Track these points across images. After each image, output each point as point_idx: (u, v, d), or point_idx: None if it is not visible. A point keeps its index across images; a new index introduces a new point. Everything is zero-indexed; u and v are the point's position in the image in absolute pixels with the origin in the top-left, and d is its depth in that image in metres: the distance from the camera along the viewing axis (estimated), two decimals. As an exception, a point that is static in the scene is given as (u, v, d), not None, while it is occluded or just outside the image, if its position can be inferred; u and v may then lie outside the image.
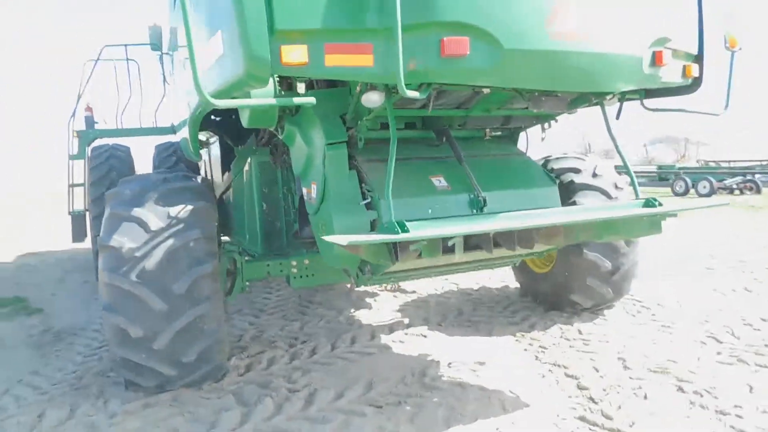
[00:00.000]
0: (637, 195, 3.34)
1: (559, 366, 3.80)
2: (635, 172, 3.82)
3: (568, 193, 4.49)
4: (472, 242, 2.94)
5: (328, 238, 2.37)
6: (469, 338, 4.45)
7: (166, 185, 3.45)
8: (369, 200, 3.16)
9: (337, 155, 3.12)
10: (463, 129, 3.80)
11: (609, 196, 4.44)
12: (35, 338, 4.84)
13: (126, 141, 6.98)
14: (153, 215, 3.24)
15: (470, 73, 2.40)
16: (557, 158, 4.85)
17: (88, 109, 6.79)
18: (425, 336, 4.55)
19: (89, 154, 6.35)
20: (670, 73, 3.12)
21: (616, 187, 4.53)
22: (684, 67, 3.23)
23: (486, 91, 2.85)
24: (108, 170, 5.95)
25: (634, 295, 5.28)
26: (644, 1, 2.73)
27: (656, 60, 2.80)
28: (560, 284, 4.73)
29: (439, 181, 3.38)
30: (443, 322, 4.87)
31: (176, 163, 6.25)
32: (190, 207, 3.33)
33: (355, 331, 4.66)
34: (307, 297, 5.82)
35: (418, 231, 2.52)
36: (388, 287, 6.06)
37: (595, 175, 4.55)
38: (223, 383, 3.65)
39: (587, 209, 3.21)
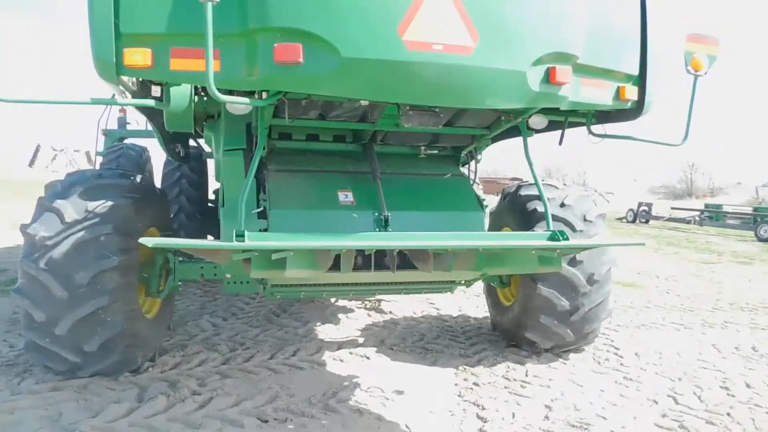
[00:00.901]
0: (548, 226, 3.06)
1: (477, 406, 3.53)
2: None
3: (530, 223, 4.21)
4: (360, 262, 2.84)
5: (143, 240, 2.36)
6: (410, 365, 4.25)
7: (95, 181, 3.61)
8: (261, 209, 3.13)
9: (233, 162, 3.14)
10: (394, 145, 3.69)
11: (573, 229, 4.10)
12: (18, 315, 5.22)
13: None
14: (71, 207, 3.41)
15: (306, 81, 2.32)
16: (529, 184, 4.56)
17: (122, 110, 7.29)
18: (368, 358, 4.40)
19: (106, 152, 6.81)
20: (594, 94, 2.85)
21: (585, 219, 4.18)
22: (618, 88, 2.94)
23: (364, 102, 2.74)
24: (115, 168, 6.34)
25: (614, 341, 4.82)
26: (532, 13, 2.50)
27: (550, 77, 2.56)
28: (517, 320, 4.42)
29: (345, 196, 3.29)
30: (397, 345, 4.68)
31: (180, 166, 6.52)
32: (109, 203, 3.46)
33: (302, 344, 4.61)
34: (285, 306, 5.83)
35: (255, 242, 2.45)
36: (367, 305, 5.95)
37: (563, 205, 4.23)
38: (141, 377, 3.74)
39: (464, 236, 2.98)
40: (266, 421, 3.24)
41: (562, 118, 3.42)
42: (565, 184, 4.58)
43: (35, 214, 3.48)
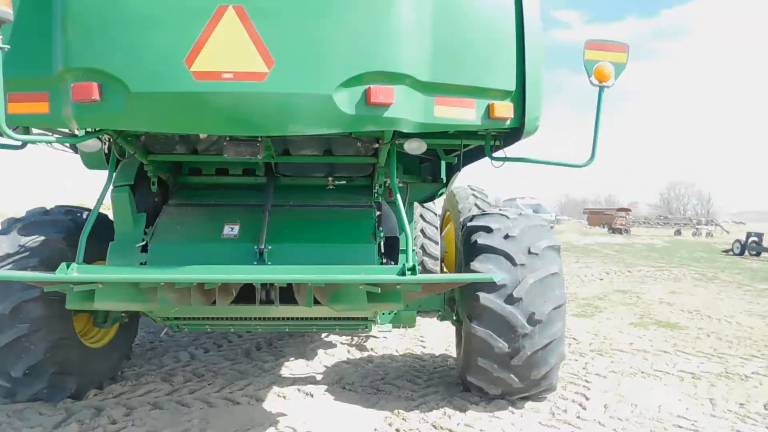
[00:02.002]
0: (406, 258, 2.82)
1: (382, 454, 3.28)
2: None
3: (470, 256, 3.93)
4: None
5: None
6: (347, 406, 4.06)
7: (39, 216, 3.92)
8: (144, 242, 3.21)
9: (120, 198, 3.26)
10: (304, 177, 3.64)
11: (513, 263, 3.75)
12: None
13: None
14: (7, 241, 3.71)
15: (104, 117, 2.38)
16: (483, 215, 4.27)
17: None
18: (312, 396, 4.28)
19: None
20: (454, 114, 2.64)
21: (529, 252, 3.81)
22: (488, 106, 2.70)
23: (202, 135, 2.74)
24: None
25: (590, 389, 4.28)
26: (338, 33, 2.38)
27: (367, 99, 2.40)
28: (462, 362, 4.08)
29: (231, 229, 3.28)
30: (352, 384, 4.51)
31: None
32: (41, 238, 3.73)
33: (256, 379, 4.59)
34: (272, 340, 5.85)
35: (64, 275, 2.51)
36: (353, 341, 5.81)
37: (506, 236, 3.90)
38: (77, 404, 3.91)
39: (298, 269, 2.80)
40: (156, 455, 3.24)
41: (449, 143, 3.18)
42: (520, 214, 4.23)
43: None
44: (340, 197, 3.64)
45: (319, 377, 4.71)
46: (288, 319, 3.51)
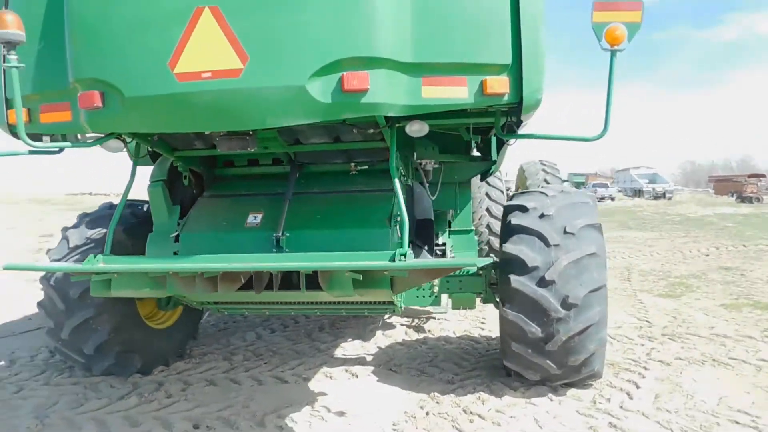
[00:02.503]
0: (403, 244, 2.77)
1: (400, 436, 3.31)
2: None
3: (505, 236, 3.80)
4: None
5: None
6: (387, 387, 4.14)
7: (105, 211, 4.38)
8: (176, 233, 3.45)
9: (155, 192, 3.52)
10: (326, 164, 3.69)
11: (547, 243, 3.58)
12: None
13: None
14: (77, 234, 4.15)
15: (108, 122, 2.58)
16: (522, 193, 4.10)
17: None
18: (357, 376, 4.39)
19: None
20: (444, 93, 2.57)
21: (565, 232, 3.60)
22: (481, 83, 2.59)
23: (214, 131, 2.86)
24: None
25: (644, 377, 4.00)
26: (307, 24, 2.38)
27: (342, 85, 2.39)
28: (501, 347, 3.96)
29: (255, 218, 3.43)
30: (398, 366, 4.56)
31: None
32: (104, 231, 4.12)
33: (308, 359, 4.78)
34: (335, 321, 6.04)
35: (88, 265, 2.77)
36: (412, 322, 5.83)
37: (542, 216, 3.72)
38: (144, 379, 4.32)
39: (293, 257, 2.83)
40: (197, 428, 3.52)
41: (461, 122, 3.06)
42: (562, 191, 3.99)
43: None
44: (361, 182, 3.65)
45: (369, 358, 4.81)
46: (314, 303, 3.61)
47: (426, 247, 4.12)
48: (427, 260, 2.58)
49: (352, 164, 3.68)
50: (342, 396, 3.98)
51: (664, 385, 3.93)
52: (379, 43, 2.42)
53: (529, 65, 2.61)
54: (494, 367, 4.37)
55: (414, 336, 5.45)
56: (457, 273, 4.41)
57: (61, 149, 3.03)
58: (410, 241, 4.08)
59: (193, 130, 2.84)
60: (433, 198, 3.97)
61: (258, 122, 2.49)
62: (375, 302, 3.54)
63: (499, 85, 2.59)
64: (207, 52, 2.40)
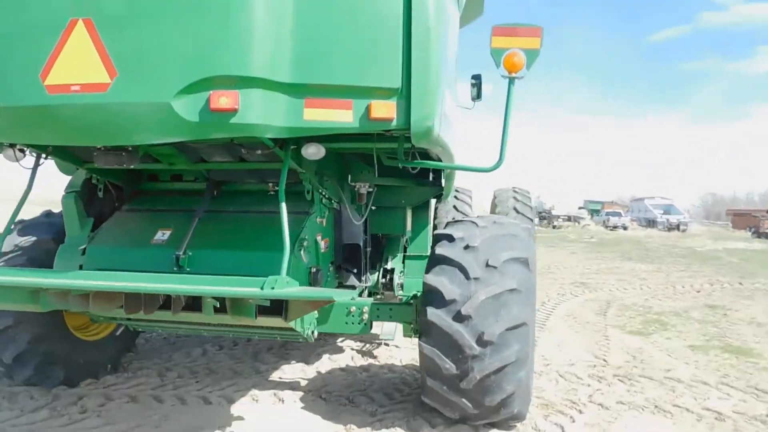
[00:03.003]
0: (282, 271, 2.66)
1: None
2: None
3: (429, 266, 3.67)
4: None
5: None
6: (307, 414, 4.00)
7: (40, 219, 4.34)
8: (84, 246, 3.38)
9: (68, 203, 3.47)
10: (243, 183, 3.61)
11: (467, 276, 3.44)
12: None
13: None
14: (7, 241, 4.10)
15: (-13, 130, 2.52)
16: (455, 222, 3.97)
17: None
18: (282, 401, 4.26)
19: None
20: (328, 116, 2.47)
21: (487, 265, 3.46)
22: (367, 106, 2.48)
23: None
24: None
25: (573, 422, 3.81)
26: (177, 39, 2.30)
27: (209, 103, 2.31)
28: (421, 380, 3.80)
29: (163, 235, 3.35)
30: (329, 394, 4.41)
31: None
32: (33, 239, 4.07)
33: (241, 380, 4.66)
34: (286, 345, 5.88)
35: None
36: (365, 348, 5.69)
37: (467, 247, 3.58)
38: (67, 391, 4.21)
39: (162, 278, 2.73)
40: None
41: (358, 146, 2.96)
42: (495, 222, 3.84)
43: None
44: (276, 203, 3.55)
45: (303, 383, 4.68)
46: (222, 325, 3.49)
47: (354, 271, 4.01)
48: (293, 291, 2.45)
49: (270, 184, 3.58)
50: (259, 421, 3.86)
51: (592, 431, 3.73)
52: (251, 62, 2.34)
53: (418, 90, 2.51)
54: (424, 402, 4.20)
55: (359, 362, 5.30)
56: (386, 301, 4.30)
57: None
58: (338, 266, 3.99)
59: (62, 144, 2.78)
60: (358, 222, 3.85)
61: (124, 138, 2.43)
62: (279, 328, 3.41)
63: (386, 110, 2.49)
64: (78, 65, 2.35)
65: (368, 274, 4.74)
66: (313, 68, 2.45)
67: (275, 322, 3.05)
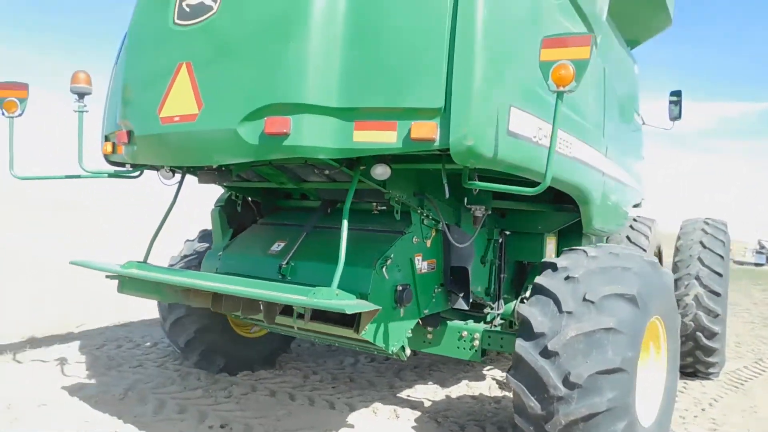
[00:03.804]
0: (332, 283, 2.78)
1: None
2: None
3: (529, 295, 3.48)
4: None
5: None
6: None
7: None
8: (221, 253, 4.01)
9: (213, 215, 4.15)
10: (356, 202, 3.85)
11: (560, 309, 3.17)
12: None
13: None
14: (188, 246, 5.07)
15: (132, 154, 3.22)
16: (568, 250, 3.66)
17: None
18: (397, 417, 4.38)
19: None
20: (374, 138, 2.63)
21: (584, 299, 3.13)
22: (409, 128, 2.57)
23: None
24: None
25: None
26: (241, 73, 2.67)
27: (265, 128, 2.62)
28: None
29: (278, 246, 3.78)
30: (446, 419, 4.38)
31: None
32: (206, 245, 4.96)
33: (371, 393, 4.90)
34: (437, 364, 5.94)
35: (116, 268, 3.44)
36: (501, 376, 5.44)
37: (568, 278, 3.30)
38: (230, 378, 4.98)
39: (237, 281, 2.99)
40: (223, 427, 3.98)
41: (426, 166, 2.94)
42: (611, 252, 3.43)
43: None
44: (377, 222, 3.70)
45: (428, 404, 4.72)
46: (313, 332, 3.72)
47: (462, 295, 3.94)
48: (317, 300, 2.58)
49: (374, 204, 3.77)
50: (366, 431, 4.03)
51: None
52: (302, 90, 2.59)
53: (458, 109, 2.46)
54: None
55: (495, 393, 5.10)
56: (499, 329, 4.11)
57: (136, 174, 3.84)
58: (447, 289, 3.96)
59: (170, 164, 3.36)
60: (463, 245, 3.78)
61: (207, 159, 2.89)
62: (357, 339, 3.52)
63: (426, 130, 2.50)
64: (180, 100, 2.89)
65: (501, 301, 4.60)
66: (358, 92, 2.59)
67: (346, 332, 3.22)
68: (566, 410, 2.98)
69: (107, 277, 3.54)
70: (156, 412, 4.14)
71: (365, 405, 4.59)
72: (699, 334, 5.38)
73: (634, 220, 6.10)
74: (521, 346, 3.20)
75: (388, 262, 3.33)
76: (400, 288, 3.41)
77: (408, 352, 3.65)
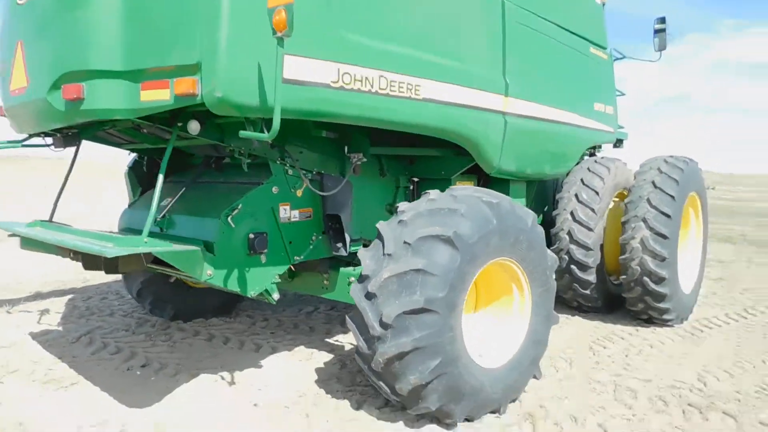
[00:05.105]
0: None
1: None
2: None
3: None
4: None
5: None
6: (300, 364, 4.29)
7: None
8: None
9: (125, 176, 4.55)
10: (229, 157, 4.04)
11: (383, 252, 3.29)
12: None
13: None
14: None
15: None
16: (426, 194, 3.69)
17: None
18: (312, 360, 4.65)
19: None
20: (155, 96, 2.84)
21: (404, 242, 3.21)
22: (174, 82, 2.76)
23: None
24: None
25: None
26: (47, 46, 2.94)
27: (63, 94, 2.90)
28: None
29: (166, 202, 4.08)
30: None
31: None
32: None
33: (301, 337, 5.20)
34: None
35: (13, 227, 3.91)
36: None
37: (400, 221, 3.36)
38: (182, 324, 5.47)
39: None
40: (144, 366, 4.45)
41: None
42: (455, 195, 3.42)
43: None
44: (243, 174, 3.88)
45: (348, 348, 4.94)
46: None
47: (339, 243, 4.08)
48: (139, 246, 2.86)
49: (242, 159, 3.94)
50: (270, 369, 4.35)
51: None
52: (90, 57, 2.84)
53: (207, 64, 2.59)
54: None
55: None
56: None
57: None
58: (323, 233, 4.10)
59: (22, 132, 3.73)
60: (330, 193, 3.89)
61: (40, 126, 3.27)
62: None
63: (187, 85, 2.66)
64: (18, 75, 3.24)
65: None
66: (136, 54, 2.80)
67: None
68: (382, 349, 3.13)
69: (9, 235, 4.02)
70: (94, 353, 4.69)
71: (288, 348, 4.89)
72: (646, 278, 5.14)
73: (595, 161, 5.82)
74: (353, 288, 3.34)
75: (235, 212, 3.53)
76: (252, 236, 3.61)
77: (276, 296, 3.87)
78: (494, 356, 3.53)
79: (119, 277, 7.67)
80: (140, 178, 4.63)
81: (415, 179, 4.75)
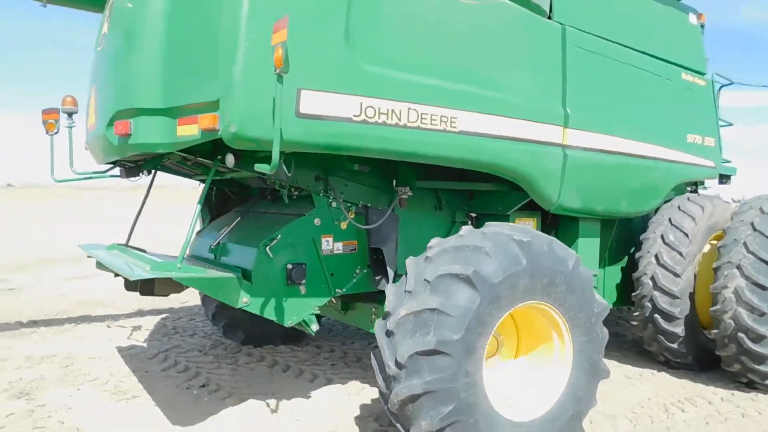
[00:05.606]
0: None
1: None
2: None
3: None
4: None
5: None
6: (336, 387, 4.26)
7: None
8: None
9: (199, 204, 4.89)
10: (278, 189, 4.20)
11: (405, 289, 3.20)
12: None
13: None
14: None
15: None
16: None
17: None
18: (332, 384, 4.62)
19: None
20: (187, 132, 3.08)
21: (424, 279, 3.11)
22: (199, 118, 2.99)
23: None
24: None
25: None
26: (106, 87, 3.31)
27: (114, 131, 3.22)
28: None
29: (225, 230, 4.33)
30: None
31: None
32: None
33: (359, 372, 5.19)
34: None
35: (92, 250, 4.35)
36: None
37: (427, 258, 3.27)
38: (252, 348, 5.72)
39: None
40: (203, 386, 4.70)
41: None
42: (483, 234, 3.26)
43: None
44: (289, 206, 3.99)
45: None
46: None
47: (378, 277, 4.05)
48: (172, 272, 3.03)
49: (291, 189, 4.08)
50: (322, 401, 4.39)
51: None
52: (136, 96, 3.16)
53: (225, 100, 2.74)
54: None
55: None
56: None
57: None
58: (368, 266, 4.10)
59: (99, 163, 4.10)
60: (370, 227, 3.88)
61: (104, 158, 3.65)
62: None
63: (209, 121, 2.84)
64: (92, 114, 3.68)
65: None
66: (175, 93, 3.05)
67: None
68: (396, 390, 3.03)
69: (88, 257, 4.48)
70: (164, 369, 5.04)
71: (342, 381, 4.89)
72: (741, 335, 4.47)
73: (687, 199, 5.25)
74: (377, 324, 3.29)
75: (274, 242, 3.65)
76: (290, 266, 3.70)
77: (315, 327, 3.90)
78: (526, 409, 3.24)
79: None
80: (210, 207, 4.97)
81: (473, 215, 4.60)
